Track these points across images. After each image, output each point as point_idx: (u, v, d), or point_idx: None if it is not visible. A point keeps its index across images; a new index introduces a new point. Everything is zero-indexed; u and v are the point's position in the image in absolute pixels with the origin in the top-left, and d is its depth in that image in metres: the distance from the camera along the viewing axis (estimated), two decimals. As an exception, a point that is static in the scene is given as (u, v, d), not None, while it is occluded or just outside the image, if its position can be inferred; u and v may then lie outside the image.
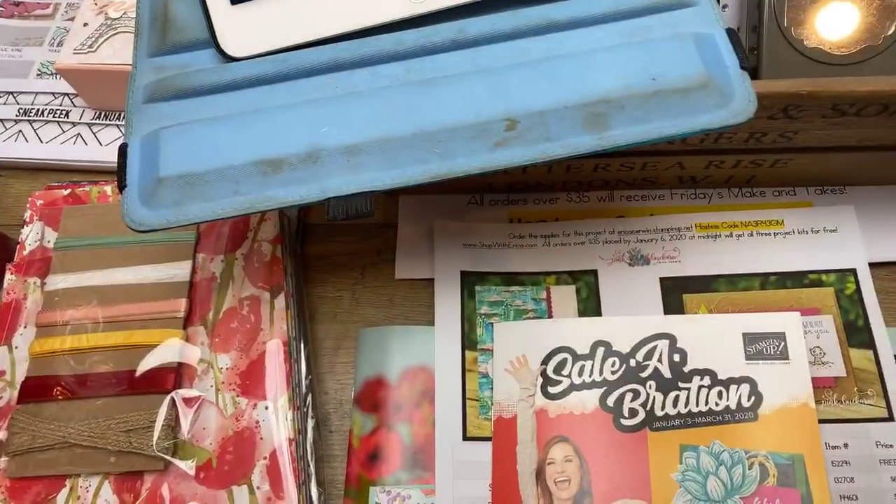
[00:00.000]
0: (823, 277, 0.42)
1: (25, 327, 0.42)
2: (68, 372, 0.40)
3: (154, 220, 0.31)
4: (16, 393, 0.40)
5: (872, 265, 0.42)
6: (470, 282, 0.43)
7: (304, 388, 0.41)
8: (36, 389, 0.40)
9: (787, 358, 0.37)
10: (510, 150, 0.31)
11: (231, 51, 0.34)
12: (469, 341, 0.42)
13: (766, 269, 0.42)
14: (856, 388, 0.39)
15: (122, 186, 0.32)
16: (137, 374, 0.39)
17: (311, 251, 0.47)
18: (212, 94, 0.34)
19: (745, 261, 0.43)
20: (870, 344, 0.40)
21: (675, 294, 0.42)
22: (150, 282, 0.42)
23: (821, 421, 0.38)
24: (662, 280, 0.43)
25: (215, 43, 0.35)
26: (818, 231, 0.43)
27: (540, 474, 0.37)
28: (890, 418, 0.38)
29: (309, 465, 0.39)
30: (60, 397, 0.39)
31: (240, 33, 0.35)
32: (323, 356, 0.44)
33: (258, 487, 0.37)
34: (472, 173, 0.31)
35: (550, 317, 0.42)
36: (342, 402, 0.42)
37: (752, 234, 0.44)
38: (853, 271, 0.42)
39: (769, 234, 0.44)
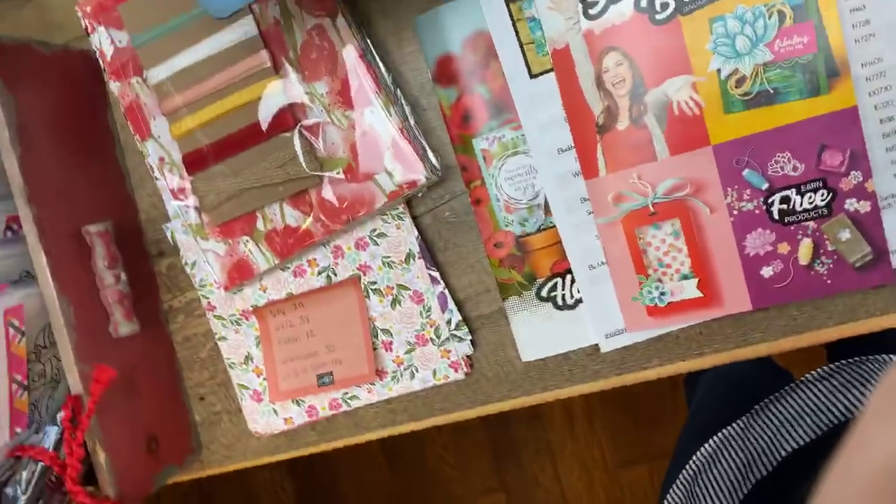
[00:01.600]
0: None
1: (155, 119, 0.51)
2: (210, 141, 0.50)
3: (232, 2, 0.36)
4: (182, 170, 0.51)
5: None
6: (492, -63, 0.46)
7: (390, 85, 0.49)
8: (196, 161, 0.50)
9: None
10: None
11: None
12: (509, -6, 0.47)
13: None
14: None
15: (188, -17, 0.36)
16: (262, 124, 0.48)
17: (338, -38, 0.50)
18: None
19: None
20: None
21: None
22: (227, 47, 0.48)
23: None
24: None
25: None
26: None
27: (599, 83, 0.46)
28: (894, -76, 0.42)
29: (421, 141, 0.49)
30: (218, 160, 0.50)
31: None
32: (390, 53, 0.50)
33: (393, 171, 0.48)
34: None
35: (574, -56, 0.45)
36: (423, 85, 0.50)
37: None
38: None
39: None
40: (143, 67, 0.50)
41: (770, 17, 0.42)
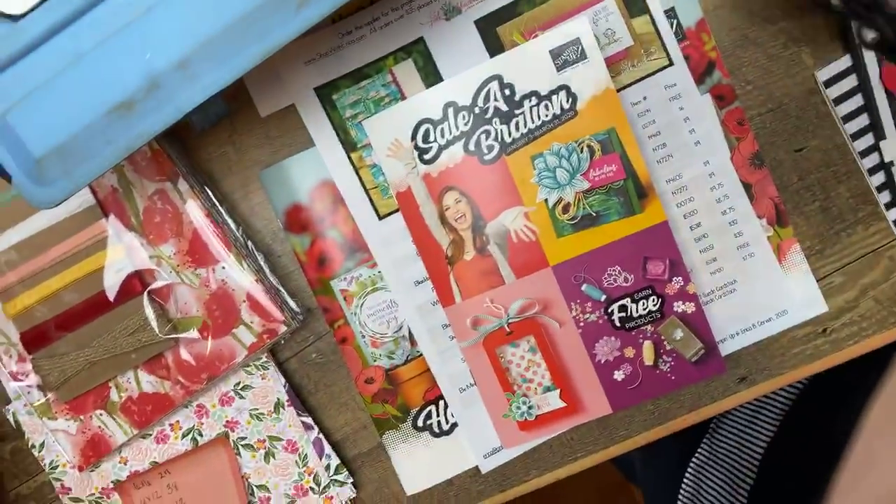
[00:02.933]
0: (601, -37, 0.49)
1: (-13, 299, 0.48)
2: (52, 315, 0.47)
3: (57, 194, 0.36)
4: (20, 349, 0.48)
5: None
6: (326, 94, 0.49)
7: (241, 238, 0.49)
8: (36, 338, 0.47)
9: (586, 58, 0.46)
10: (316, 4, 0.35)
11: (12, 9, 0.34)
12: (349, 145, 0.49)
13: (555, -24, 0.49)
14: (642, 51, 0.49)
15: (8, 178, 0.35)
16: (109, 294, 0.47)
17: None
18: (22, 60, 0.35)
19: (537, -25, 0.49)
20: (645, 9, 0.49)
21: (491, 32, 0.49)
22: (62, 219, 0.47)
23: (623, 87, 0.49)
24: (477, 23, 0.49)
25: (-9, 6, 0.34)
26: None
27: (443, 219, 0.48)
28: (670, 63, 0.49)
29: (279, 288, 0.49)
30: (61, 334, 0.47)
31: (10, -9, 0.34)
32: (238, 206, 0.51)
33: (251, 322, 0.48)
34: (291, 38, 0.35)
35: (403, 96, 0.49)
36: (275, 231, 0.51)
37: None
38: (622, -52, 0.49)
39: (549, -60, 0.49)
40: (-31, 247, 0.47)
41: (582, 152, 0.47)
